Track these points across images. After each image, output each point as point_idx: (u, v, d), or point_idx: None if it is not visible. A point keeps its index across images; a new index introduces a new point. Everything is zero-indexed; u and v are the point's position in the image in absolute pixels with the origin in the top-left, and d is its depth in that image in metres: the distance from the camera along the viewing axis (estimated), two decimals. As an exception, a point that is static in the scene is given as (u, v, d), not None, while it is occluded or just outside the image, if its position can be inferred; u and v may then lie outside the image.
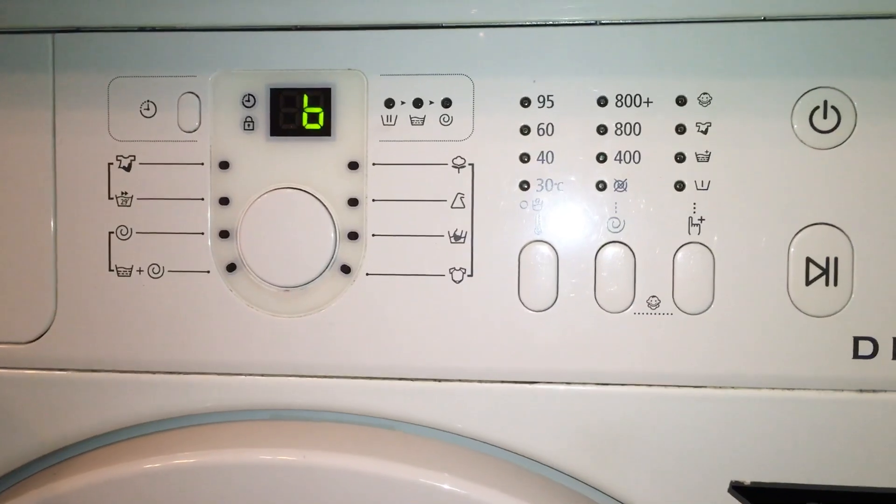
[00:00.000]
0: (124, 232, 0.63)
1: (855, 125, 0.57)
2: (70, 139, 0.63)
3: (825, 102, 0.57)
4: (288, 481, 0.60)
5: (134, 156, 0.63)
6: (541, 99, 0.60)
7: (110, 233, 0.63)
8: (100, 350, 0.64)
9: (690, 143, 0.58)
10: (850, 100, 0.57)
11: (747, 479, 0.59)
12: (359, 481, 0.59)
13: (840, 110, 0.57)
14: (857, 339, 0.58)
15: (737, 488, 0.59)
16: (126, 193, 0.63)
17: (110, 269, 0.63)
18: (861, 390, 0.58)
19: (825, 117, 0.57)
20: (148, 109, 0.63)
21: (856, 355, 0.58)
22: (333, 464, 0.60)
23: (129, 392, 0.64)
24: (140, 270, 0.63)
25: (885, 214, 0.57)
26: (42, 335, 0.64)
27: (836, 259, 0.57)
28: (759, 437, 0.59)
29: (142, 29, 0.63)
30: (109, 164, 0.63)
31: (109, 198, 0.63)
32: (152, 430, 0.65)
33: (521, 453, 0.61)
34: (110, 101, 0.63)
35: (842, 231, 0.57)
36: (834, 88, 0.57)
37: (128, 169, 0.63)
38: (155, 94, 0.63)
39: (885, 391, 0.58)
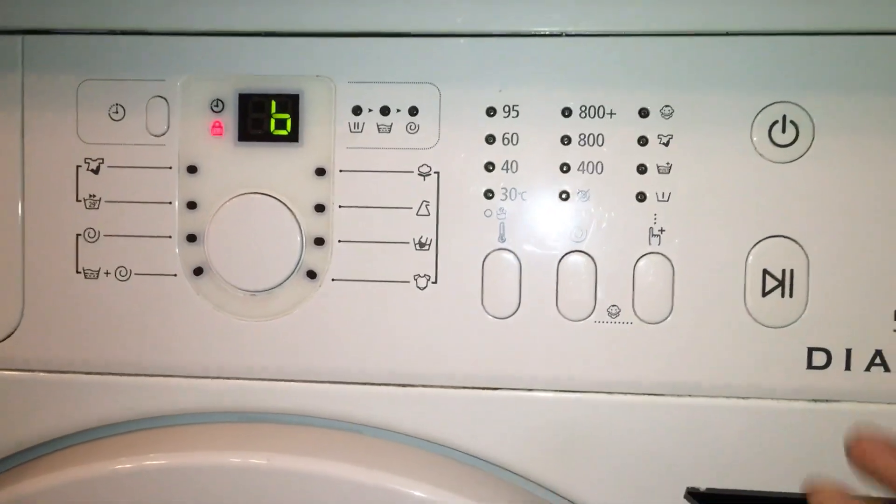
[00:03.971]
0: (92, 234, 0.65)
1: (813, 140, 0.60)
2: (38, 141, 0.65)
3: (784, 117, 0.60)
4: (252, 484, 0.62)
5: (102, 158, 0.65)
6: (506, 109, 0.62)
7: (78, 235, 0.65)
8: (67, 351, 0.66)
9: (652, 155, 0.61)
10: (809, 115, 0.60)
11: (703, 485, 0.62)
12: (324, 485, 0.62)
13: (798, 125, 0.60)
14: (811, 350, 0.61)
15: (692, 494, 0.62)
16: (94, 196, 0.65)
17: (77, 272, 0.65)
18: (815, 400, 0.61)
19: (784, 131, 0.60)
20: (117, 113, 0.65)
21: (810, 366, 0.61)
22: (299, 467, 0.62)
23: (95, 394, 0.66)
24: (107, 273, 0.65)
25: (840, 228, 0.60)
26: (9, 336, 0.66)
27: (791, 271, 0.60)
28: (715, 445, 0.62)
29: (112, 32, 0.65)
30: (78, 166, 0.65)
31: (77, 200, 0.65)
32: (118, 431, 0.67)
33: (483, 458, 0.64)
34: (79, 104, 0.65)
35: (798, 244, 0.60)
36: (793, 103, 0.60)
37: (96, 172, 0.65)
38: (124, 97, 0.65)
39: (838, 401, 0.61)
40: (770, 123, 0.61)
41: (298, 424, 0.66)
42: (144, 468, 0.63)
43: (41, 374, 0.67)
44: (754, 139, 0.61)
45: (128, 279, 0.65)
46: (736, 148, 0.61)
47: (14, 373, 0.67)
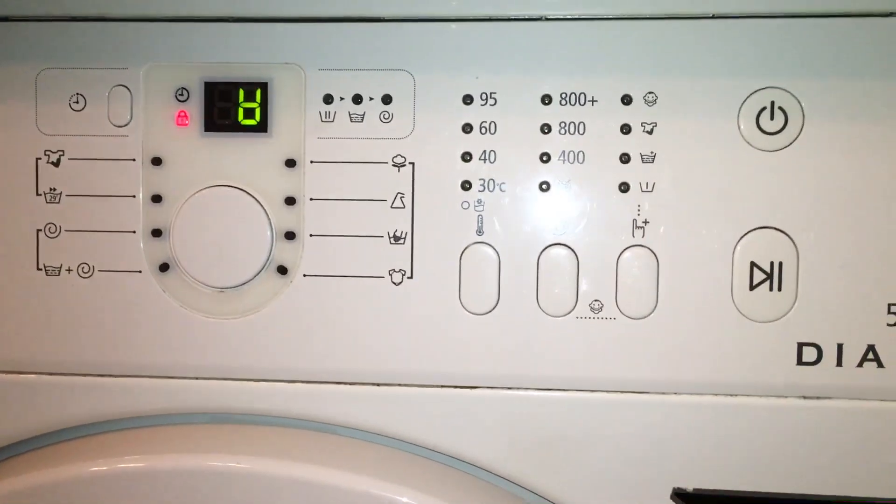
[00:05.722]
0: (53, 230, 0.64)
1: (802, 127, 0.59)
2: (-4, 132, 0.64)
3: (772, 103, 0.59)
4: (220, 488, 0.61)
5: (63, 150, 0.64)
6: (483, 96, 0.61)
7: (38, 230, 0.64)
8: (28, 352, 0.64)
9: (635, 144, 0.60)
10: (798, 101, 0.59)
11: (690, 485, 0.61)
12: (294, 488, 0.61)
13: (787, 111, 0.59)
14: (801, 345, 0.59)
15: (679, 495, 0.61)
16: (55, 190, 0.64)
17: (38, 268, 0.64)
18: (805, 397, 0.60)
19: (772, 118, 0.59)
20: (77, 103, 0.63)
21: (800, 361, 0.60)
22: (267, 470, 0.61)
23: (58, 395, 0.64)
24: (69, 270, 0.64)
25: (830, 219, 0.59)
26: (-33, 336, 0.65)
27: (780, 264, 0.59)
28: (701, 444, 0.60)
29: (72, 19, 0.63)
30: (37, 159, 0.64)
31: (37, 194, 0.64)
32: (83, 434, 0.65)
33: (461, 458, 0.62)
34: (38, 94, 0.63)
35: (787, 235, 0.59)
36: (781, 89, 0.59)
37: (56, 164, 0.64)
38: (84, 86, 0.63)
39: (829, 398, 0.60)
40: (758, 110, 0.59)
41: (269, 425, 0.65)
42: (115, 471, 0.62)
43: (1, 374, 0.65)
44: (741, 126, 0.59)
45: (91, 276, 0.64)
46: (723, 136, 0.59)
47: (-27, 374, 0.65)
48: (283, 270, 0.63)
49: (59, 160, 0.63)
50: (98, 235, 0.64)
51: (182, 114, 0.63)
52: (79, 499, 0.62)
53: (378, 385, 0.63)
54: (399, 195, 0.61)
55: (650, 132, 0.60)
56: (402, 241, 0.61)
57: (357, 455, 0.63)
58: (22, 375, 0.65)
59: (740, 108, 0.59)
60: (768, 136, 0.59)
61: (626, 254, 0.60)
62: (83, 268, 0.64)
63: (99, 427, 0.66)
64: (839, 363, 0.59)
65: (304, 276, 0.62)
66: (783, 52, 0.59)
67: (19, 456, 0.66)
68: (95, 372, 0.64)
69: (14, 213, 0.64)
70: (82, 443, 0.65)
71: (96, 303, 0.64)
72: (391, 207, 0.61)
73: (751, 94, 0.59)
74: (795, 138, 0.59)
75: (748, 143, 0.59)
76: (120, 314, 0.64)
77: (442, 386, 0.62)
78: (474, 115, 0.61)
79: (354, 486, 0.60)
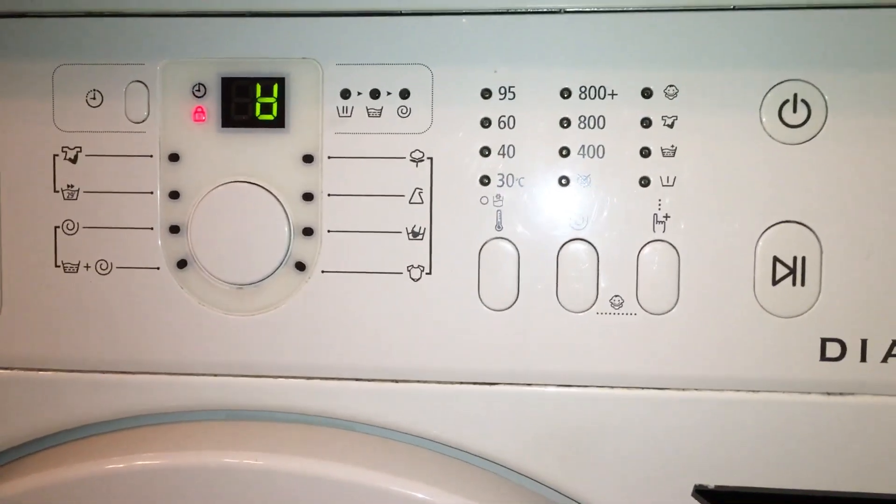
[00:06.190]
0: (70, 226, 0.64)
1: (825, 120, 0.58)
2: (13, 130, 0.64)
3: (795, 96, 0.58)
4: (240, 486, 0.61)
5: (80, 147, 0.63)
6: (502, 90, 0.61)
7: (56, 227, 0.64)
8: (47, 349, 0.64)
9: (656, 138, 0.59)
10: (821, 93, 0.58)
11: (712, 482, 0.60)
12: (315, 485, 0.60)
13: (810, 104, 0.58)
14: (824, 341, 0.59)
15: (701, 492, 0.60)
16: (72, 186, 0.64)
17: (56, 265, 0.64)
18: (828, 393, 0.60)
19: (795, 111, 0.58)
20: (94, 99, 0.63)
21: (823, 357, 0.59)
22: (289, 467, 0.61)
23: (77, 392, 0.64)
24: (87, 266, 0.64)
25: (854, 212, 0.58)
26: (-14, 333, 0.65)
27: (803, 258, 0.59)
28: (723, 441, 0.60)
29: (88, 14, 0.63)
30: (55, 155, 0.64)
31: (55, 191, 0.64)
32: (100, 431, 0.66)
33: (481, 456, 0.62)
34: (55, 90, 0.63)
35: (810, 229, 0.58)
36: (804, 81, 0.58)
37: (74, 161, 0.64)
38: (101, 82, 0.63)
39: (853, 394, 0.59)
40: (780, 103, 0.59)
41: (288, 422, 0.64)
42: (133, 469, 0.62)
43: (20, 371, 0.65)
44: (764, 119, 0.59)
45: (109, 273, 0.64)
46: (744, 129, 0.59)
47: (-8, 371, 0.65)
48: (301, 267, 0.62)
49: (76, 157, 0.63)
50: (116, 232, 0.63)
51: (199, 109, 0.63)
52: (97, 496, 0.61)
53: (397, 382, 0.63)
54: (417, 190, 0.61)
55: (671, 126, 0.59)
56: (420, 236, 0.61)
57: (376, 452, 0.62)
58: (40, 373, 0.65)
59: (762, 100, 0.59)
60: (791, 129, 0.58)
61: (647, 249, 0.60)
62: (101, 264, 0.64)
63: (117, 424, 0.66)
64: (863, 359, 0.59)
65: (322, 272, 0.62)
66: (806, 43, 0.58)
67: (37, 454, 0.66)
68: (113, 369, 0.64)
69: (32, 211, 0.64)
70: (99, 440, 0.65)
71: (114, 299, 0.64)
72: (409, 203, 0.61)
73: (773, 87, 0.59)
74: (819, 131, 0.58)
75: (770, 136, 0.59)
76: (138, 311, 0.64)
77: (461, 382, 0.62)
78: (493, 109, 0.61)
79: (374, 483, 0.60)
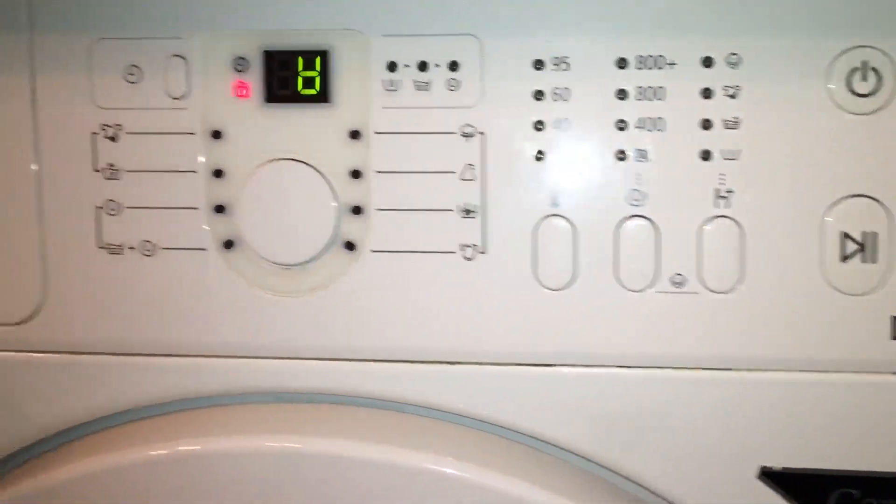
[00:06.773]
0: (113, 207, 0.62)
1: (897, 88, 0.56)
2: (51, 107, 0.62)
3: (865, 63, 0.56)
4: (291, 469, 0.60)
5: (120, 125, 0.62)
6: (555, 61, 0.58)
7: (98, 208, 0.63)
8: (92, 332, 0.64)
9: (717, 109, 0.57)
10: (892, 60, 0.56)
11: (778, 464, 0.59)
12: (366, 469, 0.60)
13: (881, 72, 0.56)
14: (895, 319, 0.57)
15: (767, 474, 0.59)
16: (113, 166, 0.62)
17: (100, 247, 0.63)
18: (899, 372, 0.58)
19: (864, 79, 0.56)
20: (132, 74, 0.62)
21: (894, 336, 0.57)
22: (339, 451, 0.60)
23: (123, 376, 0.64)
24: (132, 248, 0.63)
25: (927, 186, 0.56)
26: (31, 317, 0.64)
27: (874, 234, 0.57)
28: (790, 422, 0.59)
29: (124, -14, 0.61)
30: (94, 133, 0.62)
31: (95, 170, 0.62)
32: (148, 415, 0.65)
33: (539, 438, 0.61)
34: (93, 66, 0.62)
35: (881, 204, 0.56)
36: (874, 48, 0.56)
37: (114, 139, 0.62)
38: (140, 57, 0.61)
39: (925, 373, 0.58)
40: (849, 70, 0.56)
41: (340, 404, 0.64)
42: (179, 454, 0.61)
43: (66, 355, 0.65)
44: (831, 88, 0.57)
45: (154, 254, 0.63)
46: (811, 99, 0.57)
47: (38, 355, 0.65)
48: (350, 246, 0.61)
49: (116, 135, 0.62)
50: (160, 212, 0.62)
51: (240, 84, 0.61)
52: (149, 481, 0.61)
53: (451, 363, 0.61)
54: (469, 167, 0.59)
55: (733, 96, 0.57)
56: (473, 214, 0.60)
57: (430, 435, 0.62)
58: (87, 356, 0.64)
59: (830, 68, 0.56)
60: (860, 99, 0.56)
61: (709, 225, 0.58)
62: (146, 246, 0.63)
63: (163, 408, 0.65)
64: (935, 338, 0.57)
65: (373, 252, 0.61)
66: (876, 7, 0.56)
67: (82, 439, 0.65)
68: (160, 352, 0.64)
69: (72, 191, 0.63)
70: (143, 425, 0.65)
71: (160, 281, 0.63)
72: (461, 180, 0.60)
73: (841, 54, 0.56)
74: (890, 101, 0.56)
75: (838, 106, 0.56)
76: (185, 293, 0.63)
77: (518, 364, 0.61)
78: (546, 81, 0.59)
79: (431, 466, 0.59)
